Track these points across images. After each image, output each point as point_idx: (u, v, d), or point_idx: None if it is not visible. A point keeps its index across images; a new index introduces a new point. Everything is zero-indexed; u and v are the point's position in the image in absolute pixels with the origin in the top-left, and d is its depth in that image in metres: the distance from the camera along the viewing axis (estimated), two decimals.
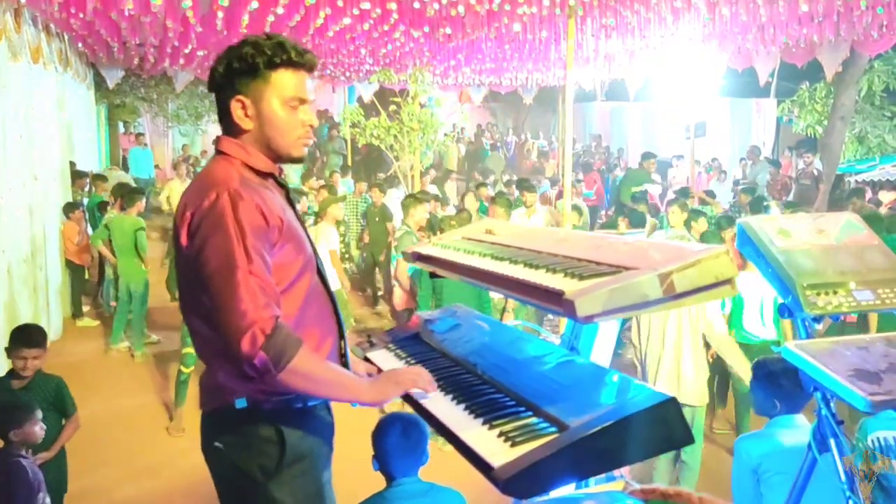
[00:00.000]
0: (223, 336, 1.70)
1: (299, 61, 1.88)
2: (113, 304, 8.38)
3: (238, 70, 1.86)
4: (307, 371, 1.74)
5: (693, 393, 4.43)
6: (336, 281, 6.55)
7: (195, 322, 1.89)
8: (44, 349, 3.94)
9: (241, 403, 1.83)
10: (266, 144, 1.91)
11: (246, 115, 1.88)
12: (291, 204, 1.99)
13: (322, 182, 11.59)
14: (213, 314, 1.73)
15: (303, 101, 1.91)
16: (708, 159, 15.74)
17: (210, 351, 1.89)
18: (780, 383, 2.80)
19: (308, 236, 1.98)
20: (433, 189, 11.29)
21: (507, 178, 15.06)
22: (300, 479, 1.89)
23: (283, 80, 1.87)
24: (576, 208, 7.90)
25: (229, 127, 1.93)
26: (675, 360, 4.43)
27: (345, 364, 2.02)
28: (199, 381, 1.99)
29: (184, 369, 5.76)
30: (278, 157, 1.95)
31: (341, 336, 2.02)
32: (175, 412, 5.81)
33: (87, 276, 9.23)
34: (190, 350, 5.52)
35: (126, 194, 7.95)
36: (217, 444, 1.90)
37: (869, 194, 11.68)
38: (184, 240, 1.79)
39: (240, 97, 1.87)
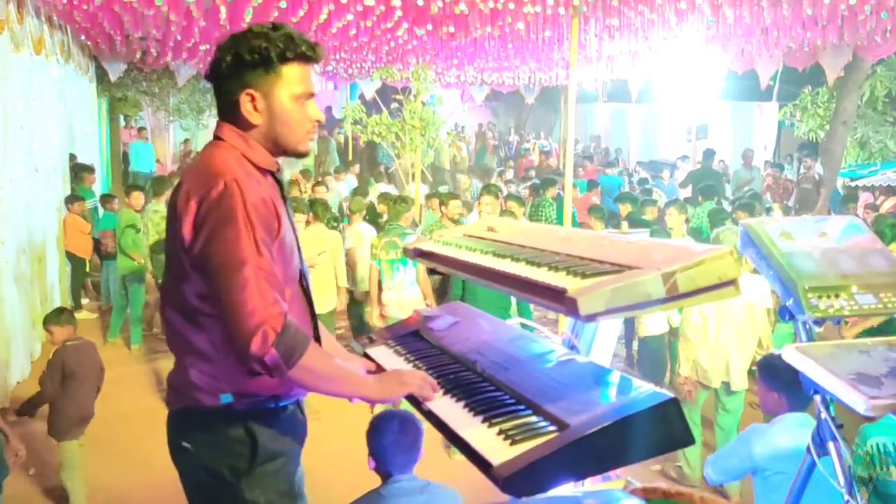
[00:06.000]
0: (231, 332, 1.67)
1: (311, 55, 1.85)
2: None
3: (249, 62, 1.80)
4: (315, 367, 1.73)
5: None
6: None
7: (172, 315, 1.87)
8: None
9: (226, 399, 1.81)
10: (274, 140, 1.87)
11: (255, 110, 1.84)
12: (285, 204, 1.94)
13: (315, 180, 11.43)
14: (220, 308, 1.70)
15: (311, 96, 1.87)
16: (716, 161, 15.70)
17: (182, 347, 1.87)
18: (783, 378, 2.79)
19: (298, 247, 1.94)
20: (423, 188, 11.14)
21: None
22: (272, 478, 1.88)
23: (294, 75, 1.83)
24: (515, 198, 7.56)
25: (233, 119, 1.87)
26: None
27: None
28: (167, 379, 1.96)
29: None
30: (283, 152, 1.91)
31: (317, 340, 1.99)
32: None
33: (87, 269, 9.22)
34: None
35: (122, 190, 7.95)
36: (185, 444, 1.88)
37: (870, 199, 11.67)
38: (187, 231, 1.74)
39: (250, 91, 1.82)
